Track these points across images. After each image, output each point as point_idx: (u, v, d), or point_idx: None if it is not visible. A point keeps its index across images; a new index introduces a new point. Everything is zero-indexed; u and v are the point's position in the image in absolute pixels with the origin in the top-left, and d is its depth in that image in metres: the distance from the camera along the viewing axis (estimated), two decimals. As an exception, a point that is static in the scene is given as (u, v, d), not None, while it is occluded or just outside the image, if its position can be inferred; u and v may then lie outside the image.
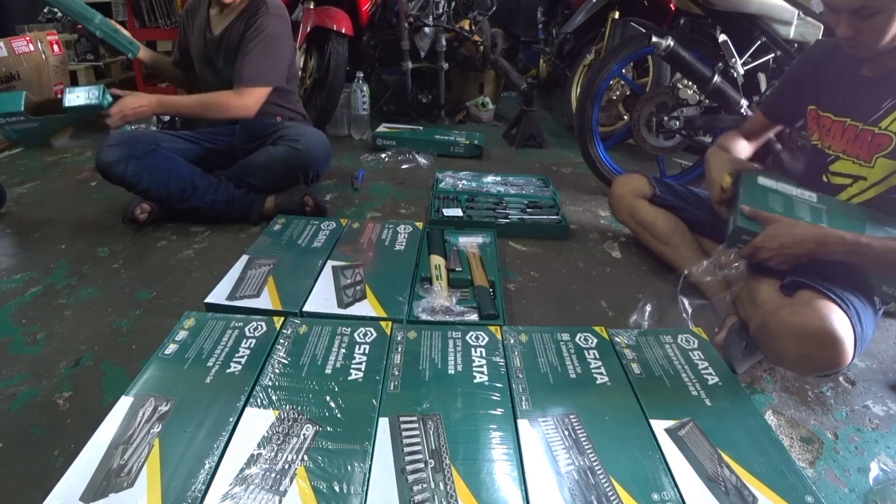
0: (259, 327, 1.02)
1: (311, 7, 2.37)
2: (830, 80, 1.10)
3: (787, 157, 1.60)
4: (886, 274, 0.96)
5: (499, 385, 0.91)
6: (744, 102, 1.61)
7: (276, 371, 0.92)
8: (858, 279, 0.98)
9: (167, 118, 2.32)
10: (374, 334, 1.02)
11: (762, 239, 1.00)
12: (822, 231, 0.97)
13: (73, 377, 0.99)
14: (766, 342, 0.94)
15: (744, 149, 1.28)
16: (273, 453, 0.76)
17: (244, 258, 1.29)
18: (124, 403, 0.83)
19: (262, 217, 1.60)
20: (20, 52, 2.43)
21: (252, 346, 0.97)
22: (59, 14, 3.27)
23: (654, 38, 1.53)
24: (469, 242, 1.41)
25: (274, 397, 0.86)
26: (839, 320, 0.87)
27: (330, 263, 1.28)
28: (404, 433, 0.80)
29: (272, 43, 1.57)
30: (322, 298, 1.15)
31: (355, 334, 1.02)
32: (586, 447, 0.79)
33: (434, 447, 0.78)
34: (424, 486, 0.72)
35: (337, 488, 0.71)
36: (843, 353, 0.86)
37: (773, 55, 1.64)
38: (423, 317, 1.11)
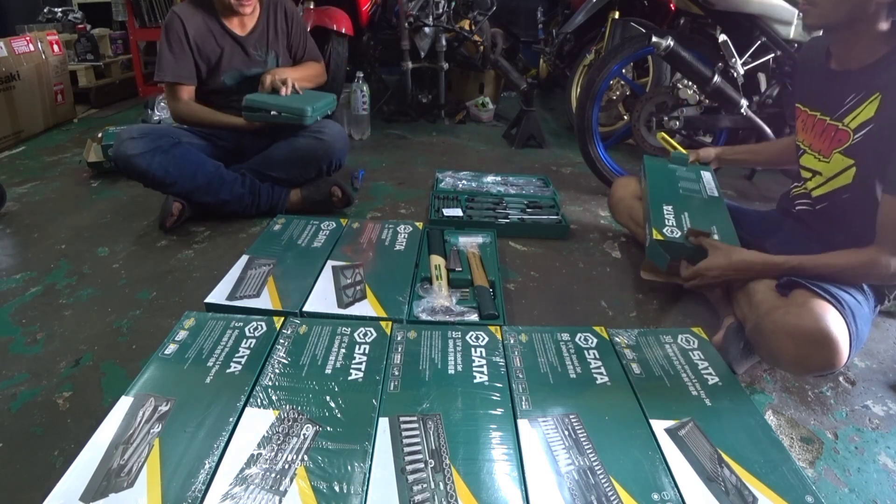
0: (259, 327, 1.02)
1: (311, 7, 2.38)
2: (809, 75, 1.12)
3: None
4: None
5: (499, 385, 0.91)
6: (744, 102, 1.61)
7: (276, 371, 0.92)
8: None
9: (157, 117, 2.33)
10: (374, 334, 1.02)
11: (704, 267, 1.09)
12: (761, 259, 1.05)
13: (73, 377, 0.99)
14: (761, 343, 0.94)
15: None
16: (273, 453, 0.76)
17: (244, 258, 1.29)
18: (124, 403, 0.83)
19: (287, 210, 1.61)
20: (20, 52, 2.43)
21: (252, 346, 0.97)
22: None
23: (654, 38, 1.53)
24: (469, 242, 1.41)
25: (274, 397, 0.86)
26: (834, 320, 0.87)
27: (330, 263, 1.28)
28: (404, 433, 0.80)
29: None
30: (322, 298, 1.14)
31: (355, 334, 1.02)
32: (586, 447, 0.79)
33: (434, 447, 0.78)
34: (424, 486, 0.72)
35: (337, 488, 0.71)
36: (838, 353, 0.86)
37: (773, 55, 1.64)
38: (423, 317, 1.11)
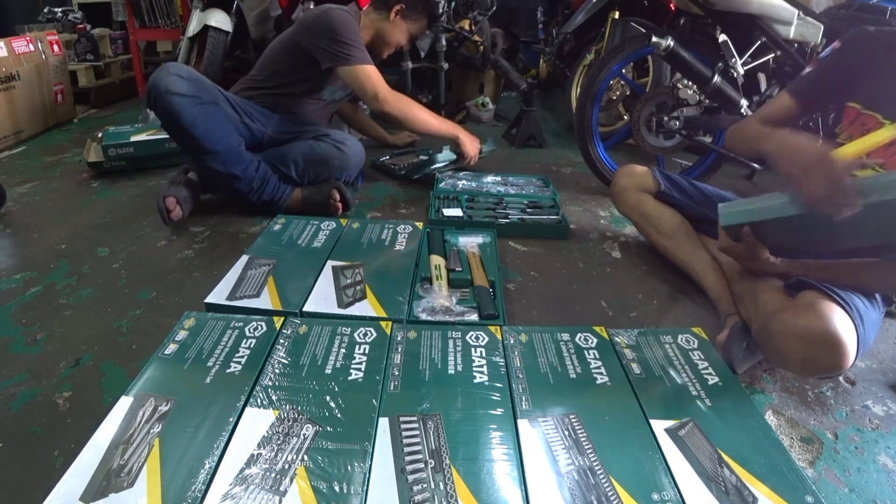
0: (259, 327, 1.02)
1: (312, 7, 2.37)
2: (878, 73, 1.01)
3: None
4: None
5: (499, 385, 0.91)
6: (744, 102, 1.61)
7: (276, 371, 0.92)
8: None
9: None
10: (374, 334, 1.02)
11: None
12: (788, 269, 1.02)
13: (73, 377, 0.99)
14: (768, 344, 0.93)
15: None
16: (273, 453, 0.76)
17: (244, 258, 1.29)
18: (124, 403, 0.83)
19: (287, 209, 1.62)
20: (20, 53, 2.44)
21: (252, 346, 0.97)
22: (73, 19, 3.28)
23: (654, 38, 1.53)
24: (469, 242, 1.41)
25: (274, 397, 0.86)
26: (842, 323, 0.86)
27: (330, 263, 1.28)
28: (404, 433, 0.80)
29: None
30: (322, 298, 1.14)
31: (355, 334, 1.02)
32: (586, 447, 0.79)
33: (434, 447, 0.78)
34: (424, 486, 0.72)
35: (337, 488, 0.71)
36: (846, 355, 0.85)
37: (773, 55, 1.64)
38: (423, 317, 1.11)
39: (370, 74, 1.67)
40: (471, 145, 1.89)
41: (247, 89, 1.72)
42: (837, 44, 1.09)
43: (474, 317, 1.11)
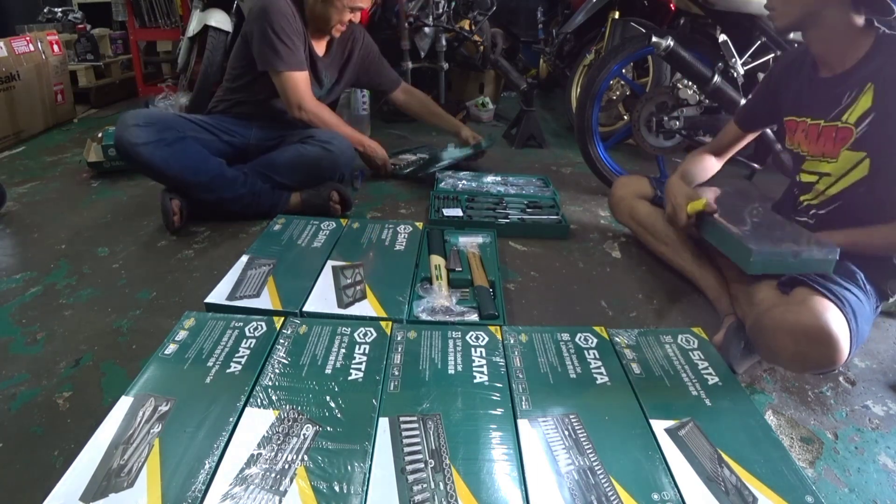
0: (259, 327, 1.02)
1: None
2: (798, 85, 1.14)
3: (787, 158, 1.60)
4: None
5: (499, 385, 0.91)
6: (743, 102, 1.61)
7: (276, 371, 0.92)
8: (865, 269, 1.00)
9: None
10: (374, 334, 1.02)
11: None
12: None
13: (73, 377, 0.99)
14: (761, 340, 0.94)
15: (712, 166, 1.35)
16: (273, 453, 0.76)
17: (244, 258, 1.29)
18: (124, 403, 0.83)
19: (287, 212, 1.61)
20: (20, 52, 2.44)
21: (252, 346, 0.97)
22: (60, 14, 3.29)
23: (654, 38, 1.53)
24: (469, 242, 1.41)
25: (274, 397, 0.86)
26: (834, 318, 0.87)
27: (330, 263, 1.28)
28: (404, 433, 0.80)
29: None
30: (322, 298, 1.14)
31: (355, 334, 1.02)
32: (586, 447, 0.79)
33: (434, 447, 0.78)
34: (424, 486, 0.72)
35: (337, 488, 0.71)
36: (838, 350, 0.86)
37: (773, 55, 1.64)
38: (423, 317, 1.11)
39: (296, 82, 1.59)
40: (376, 151, 1.92)
41: (220, 102, 1.71)
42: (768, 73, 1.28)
43: (474, 317, 1.11)
